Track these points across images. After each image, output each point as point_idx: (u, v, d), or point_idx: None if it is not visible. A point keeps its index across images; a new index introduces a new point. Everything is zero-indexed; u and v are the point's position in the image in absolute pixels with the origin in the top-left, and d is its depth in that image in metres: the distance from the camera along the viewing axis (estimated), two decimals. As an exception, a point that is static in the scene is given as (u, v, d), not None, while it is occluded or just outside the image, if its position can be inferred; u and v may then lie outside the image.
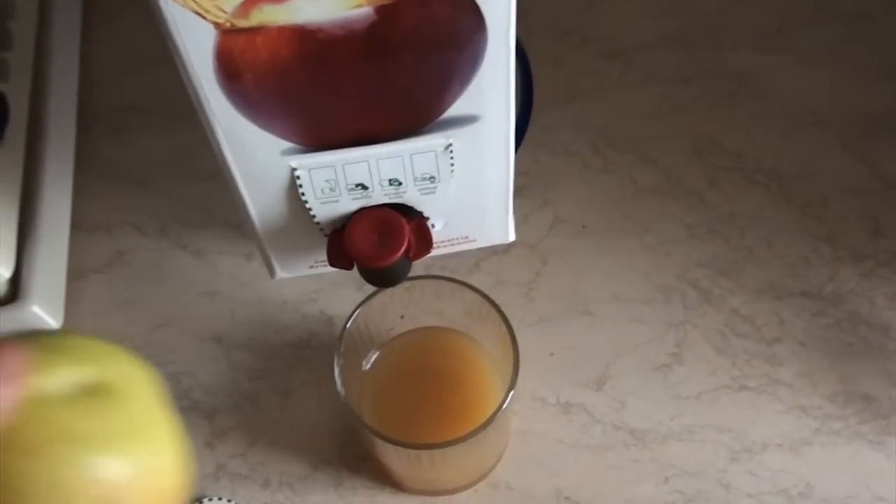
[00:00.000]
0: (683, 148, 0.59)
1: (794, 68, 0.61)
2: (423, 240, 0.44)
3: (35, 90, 0.58)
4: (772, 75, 0.61)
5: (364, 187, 0.42)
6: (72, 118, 0.59)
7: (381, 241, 0.43)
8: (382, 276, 0.44)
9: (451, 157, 0.42)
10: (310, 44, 0.36)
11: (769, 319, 0.54)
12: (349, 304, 0.48)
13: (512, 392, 0.45)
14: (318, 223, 0.44)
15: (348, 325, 0.47)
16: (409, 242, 0.43)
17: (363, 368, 0.50)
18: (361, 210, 0.43)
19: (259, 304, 0.55)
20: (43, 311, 0.52)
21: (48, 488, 0.29)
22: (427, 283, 0.48)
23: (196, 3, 0.34)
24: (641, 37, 0.62)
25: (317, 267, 0.48)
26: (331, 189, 0.42)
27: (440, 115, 0.40)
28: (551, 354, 0.53)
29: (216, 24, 0.35)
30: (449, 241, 0.48)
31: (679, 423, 0.51)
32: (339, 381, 0.45)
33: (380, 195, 0.43)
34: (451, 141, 0.41)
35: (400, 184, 0.42)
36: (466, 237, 0.48)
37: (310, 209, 0.43)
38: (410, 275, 0.45)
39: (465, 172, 0.43)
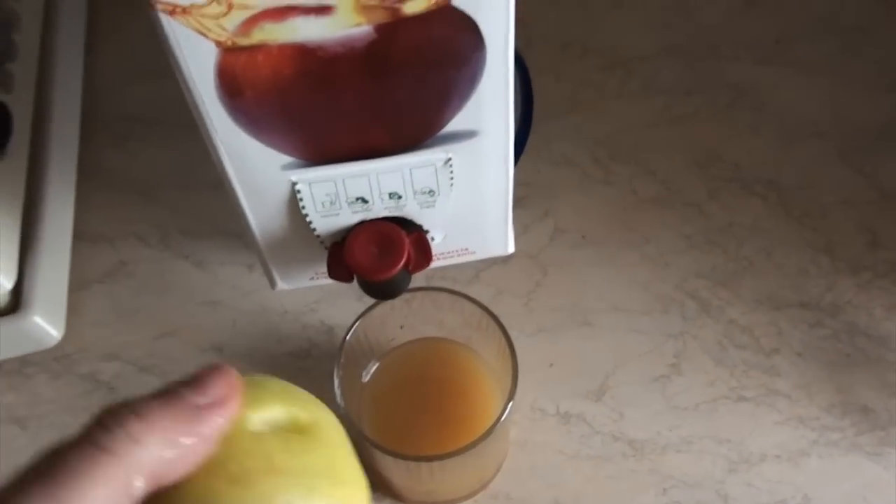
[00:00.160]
0: (683, 159, 0.59)
1: (793, 80, 0.61)
2: (423, 253, 0.44)
3: (38, 101, 0.58)
4: (771, 87, 0.61)
5: (364, 201, 0.42)
6: (75, 129, 0.60)
7: (381, 255, 0.43)
8: (382, 289, 0.44)
9: (451, 172, 0.42)
10: (310, 61, 0.36)
11: (767, 330, 0.54)
12: (350, 314, 0.48)
13: (511, 403, 0.45)
14: (318, 236, 0.44)
15: (348, 337, 0.47)
16: (408, 255, 0.43)
17: (363, 380, 0.51)
18: (362, 223, 0.44)
19: (260, 314, 0.56)
20: (45, 322, 0.53)
21: None
22: (427, 295, 0.48)
23: (198, 21, 0.34)
24: (641, 48, 0.63)
25: (317, 279, 0.49)
26: (331, 203, 0.42)
27: (440, 130, 0.40)
28: (551, 365, 0.54)
29: (218, 43, 0.35)
30: (449, 253, 0.48)
31: (677, 433, 0.52)
32: (338, 393, 0.46)
33: (380, 209, 0.43)
34: (450, 155, 0.41)
35: (400, 197, 0.43)
36: (466, 249, 0.48)
37: (310, 222, 0.43)
38: (411, 286, 0.45)
39: (464, 186, 0.43)
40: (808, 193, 0.58)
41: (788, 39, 0.63)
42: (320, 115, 0.38)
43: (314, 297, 0.55)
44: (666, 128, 0.60)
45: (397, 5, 0.35)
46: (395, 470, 0.46)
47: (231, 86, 0.36)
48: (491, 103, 0.40)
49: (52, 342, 0.54)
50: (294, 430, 0.31)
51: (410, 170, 0.42)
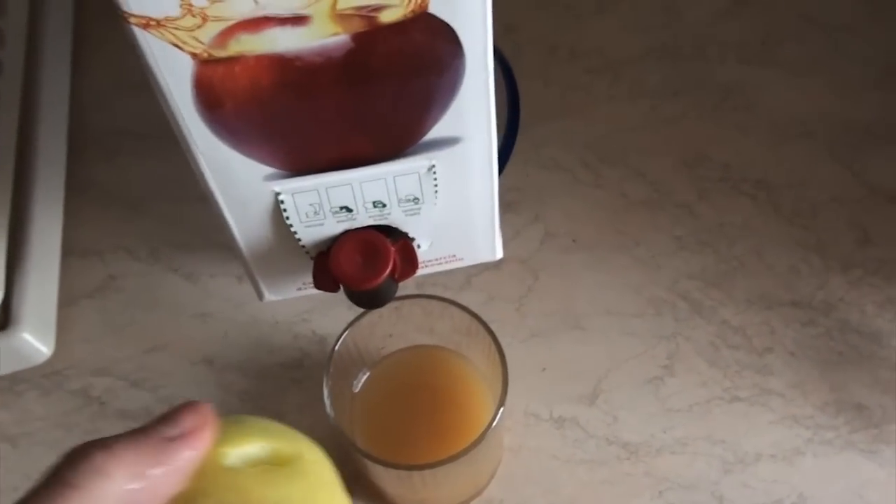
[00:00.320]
0: (672, 160, 0.59)
1: (781, 80, 0.61)
2: (409, 261, 0.44)
3: (24, 116, 0.58)
4: (758, 87, 0.61)
5: (348, 210, 0.42)
6: (62, 143, 0.60)
7: (367, 264, 0.43)
8: (369, 298, 0.44)
9: (435, 179, 0.42)
10: (288, 71, 0.36)
11: (760, 330, 0.54)
12: (341, 323, 0.48)
13: (502, 409, 0.45)
14: (303, 246, 0.44)
15: (337, 347, 0.47)
16: (394, 264, 0.43)
17: (354, 390, 0.50)
18: (346, 232, 0.43)
19: (251, 325, 0.55)
20: (34, 338, 0.53)
21: None
22: (416, 302, 0.48)
23: (173, 34, 0.34)
24: (629, 51, 0.63)
25: (304, 289, 0.48)
26: (315, 212, 0.42)
27: (422, 137, 0.40)
28: (543, 369, 0.54)
29: (193, 55, 0.35)
30: (436, 260, 0.48)
31: (672, 435, 0.51)
32: (328, 404, 0.45)
33: (364, 217, 0.43)
34: (433, 162, 0.41)
35: (384, 206, 0.43)
36: (454, 256, 0.48)
37: (295, 233, 0.43)
38: (399, 293, 0.45)
39: (449, 193, 0.43)
40: (797, 192, 0.58)
41: (775, 39, 0.63)
42: (301, 126, 0.38)
43: (305, 306, 0.55)
44: (655, 129, 0.60)
45: (374, 14, 0.35)
46: (387, 479, 0.46)
47: (209, 98, 0.36)
48: (472, 109, 0.39)
49: (42, 358, 0.54)
50: (275, 463, 0.31)
51: (394, 178, 0.41)
